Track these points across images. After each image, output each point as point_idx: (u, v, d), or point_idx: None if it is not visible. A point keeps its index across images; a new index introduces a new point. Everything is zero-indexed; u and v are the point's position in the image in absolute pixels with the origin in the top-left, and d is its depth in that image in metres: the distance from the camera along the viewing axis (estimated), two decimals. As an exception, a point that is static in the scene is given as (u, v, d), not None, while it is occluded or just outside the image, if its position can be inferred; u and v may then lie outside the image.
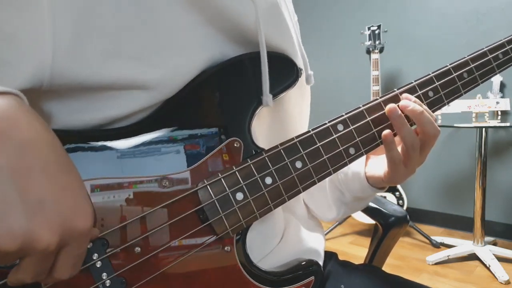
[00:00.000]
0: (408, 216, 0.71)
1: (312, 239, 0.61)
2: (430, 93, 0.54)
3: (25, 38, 0.35)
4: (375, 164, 0.58)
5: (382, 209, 0.72)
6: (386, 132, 0.50)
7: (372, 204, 0.74)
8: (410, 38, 2.52)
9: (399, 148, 0.52)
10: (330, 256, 0.67)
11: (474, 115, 2.10)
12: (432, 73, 0.55)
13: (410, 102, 0.51)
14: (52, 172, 0.30)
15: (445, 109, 2.17)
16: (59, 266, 0.31)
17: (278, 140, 0.49)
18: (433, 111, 0.54)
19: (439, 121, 2.13)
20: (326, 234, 2.42)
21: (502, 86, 2.20)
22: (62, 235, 0.30)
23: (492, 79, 2.17)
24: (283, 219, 0.58)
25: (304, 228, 0.61)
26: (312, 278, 0.49)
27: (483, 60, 0.57)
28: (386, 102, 0.52)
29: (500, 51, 0.59)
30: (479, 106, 2.07)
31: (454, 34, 2.31)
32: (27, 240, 0.28)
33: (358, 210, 0.66)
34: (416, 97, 0.53)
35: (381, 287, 0.58)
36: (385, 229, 0.71)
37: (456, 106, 2.11)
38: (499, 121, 2.02)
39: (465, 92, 0.56)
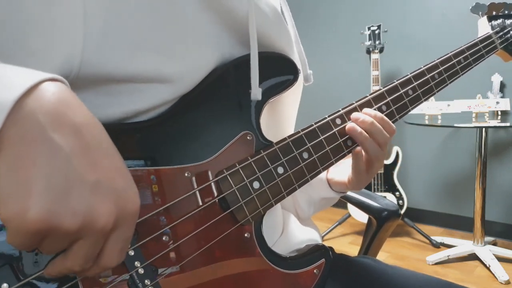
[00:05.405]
0: (399, 210, 0.76)
1: (310, 232, 0.64)
2: (410, 92, 0.61)
3: (56, 27, 0.35)
4: (338, 171, 0.62)
5: (376, 204, 0.77)
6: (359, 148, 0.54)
7: (366, 200, 0.79)
8: (410, 38, 2.52)
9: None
10: None
11: (474, 115, 2.10)
12: (411, 73, 0.62)
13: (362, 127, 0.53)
14: (104, 153, 0.30)
15: (445, 109, 2.17)
16: (108, 251, 0.31)
17: (273, 134, 0.51)
18: (413, 107, 0.61)
19: (439, 121, 2.12)
20: (326, 234, 2.43)
21: (502, 86, 2.20)
22: (116, 215, 0.30)
23: (492, 79, 2.17)
24: (281, 214, 0.60)
25: (299, 222, 0.65)
26: (323, 260, 0.52)
27: (448, 64, 0.66)
28: (375, 98, 0.57)
29: (461, 56, 0.68)
30: (479, 106, 2.07)
31: (454, 34, 2.31)
32: (87, 219, 0.28)
33: (327, 208, 0.70)
34: (398, 95, 0.59)
35: (381, 276, 0.59)
36: (379, 223, 0.75)
37: (456, 106, 2.11)
38: (499, 121, 2.01)
39: (437, 91, 0.64)
